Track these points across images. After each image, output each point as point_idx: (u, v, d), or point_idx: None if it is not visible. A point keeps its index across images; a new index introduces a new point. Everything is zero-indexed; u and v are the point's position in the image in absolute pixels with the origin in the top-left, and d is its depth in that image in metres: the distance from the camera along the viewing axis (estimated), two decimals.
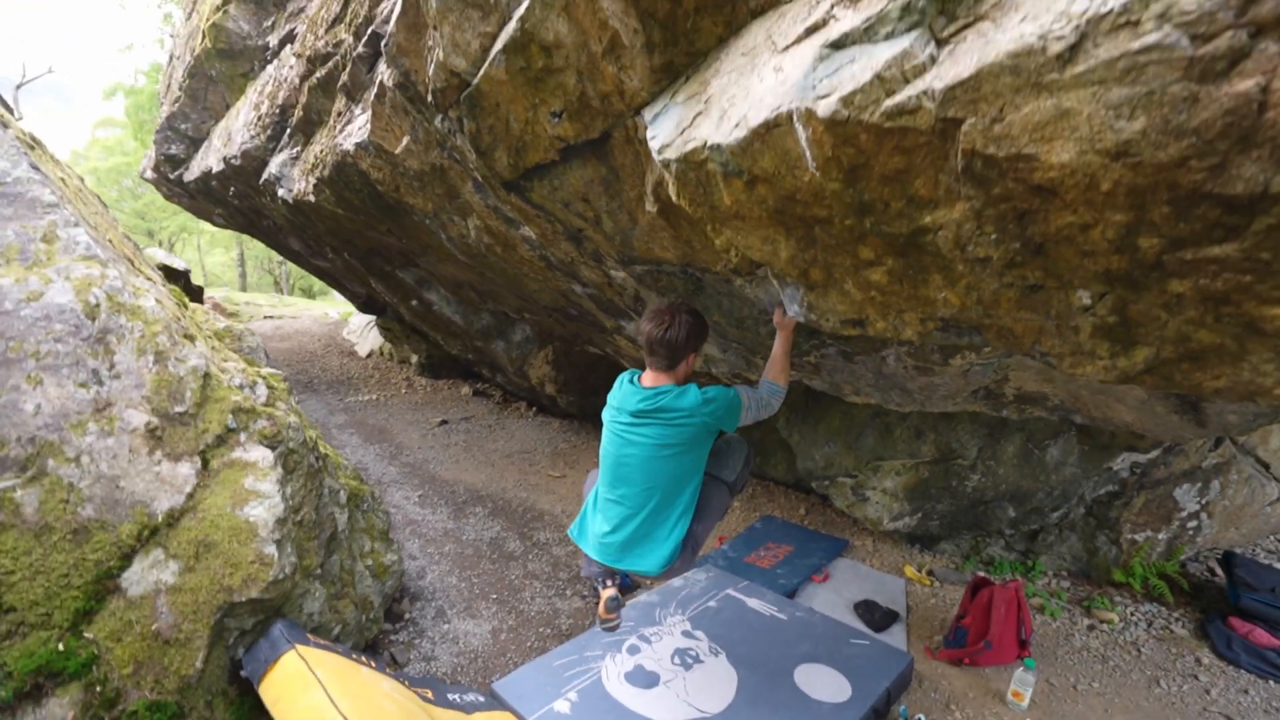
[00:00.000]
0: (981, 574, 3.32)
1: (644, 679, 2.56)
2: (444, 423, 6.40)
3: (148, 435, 2.05)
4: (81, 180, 4.66)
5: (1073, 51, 0.75)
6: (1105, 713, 2.65)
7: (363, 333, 10.02)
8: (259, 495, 2.11)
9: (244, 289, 23.45)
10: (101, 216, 3.53)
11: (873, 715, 2.44)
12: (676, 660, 2.69)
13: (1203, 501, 3.41)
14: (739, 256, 1.53)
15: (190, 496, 2.03)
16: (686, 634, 2.88)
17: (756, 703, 2.44)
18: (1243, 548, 3.90)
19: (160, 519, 1.97)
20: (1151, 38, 0.70)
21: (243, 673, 1.92)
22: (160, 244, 23.71)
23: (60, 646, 1.75)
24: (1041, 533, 3.72)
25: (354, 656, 2.11)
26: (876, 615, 3.19)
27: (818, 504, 4.62)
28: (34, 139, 3.40)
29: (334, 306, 14.22)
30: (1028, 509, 3.57)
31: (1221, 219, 0.76)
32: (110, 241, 2.98)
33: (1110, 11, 0.72)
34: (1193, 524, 3.45)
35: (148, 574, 1.90)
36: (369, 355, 9.39)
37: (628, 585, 3.47)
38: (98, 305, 2.18)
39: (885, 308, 1.34)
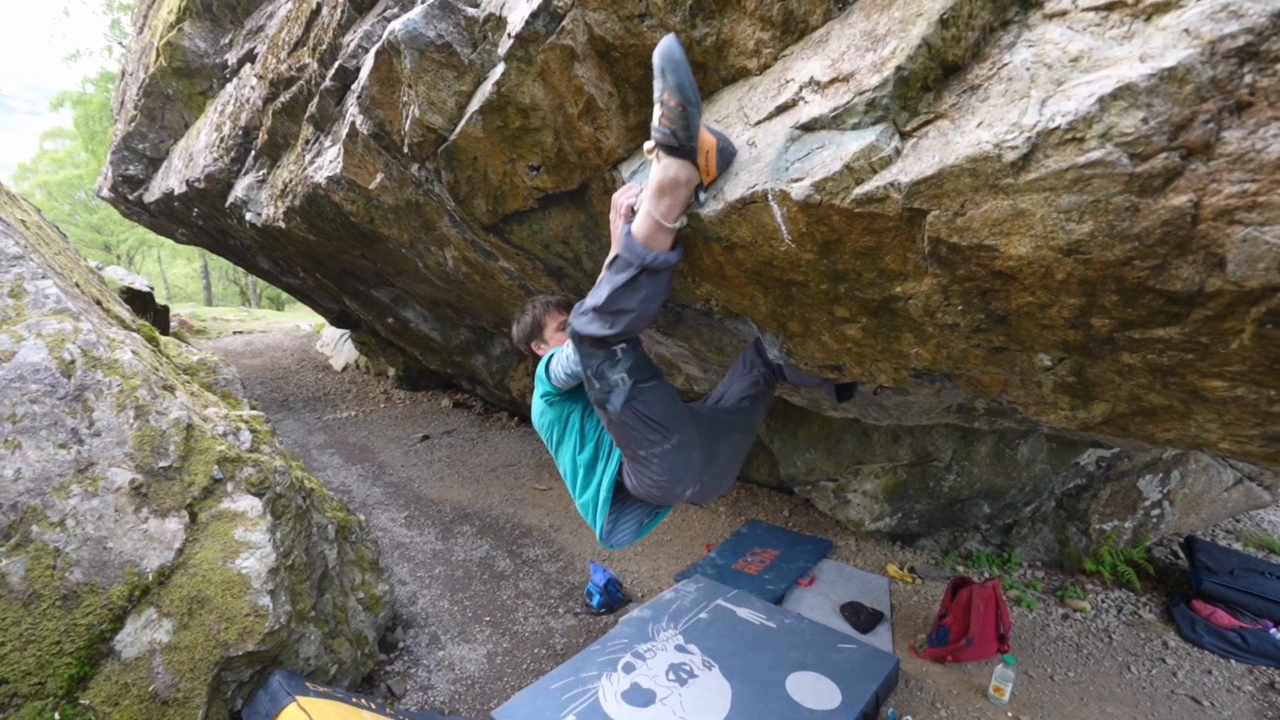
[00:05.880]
0: (961, 574, 3.44)
1: (640, 697, 2.62)
2: (426, 438, 6.37)
3: (133, 493, 2.04)
4: (39, 212, 4.53)
5: (1025, 160, 0.81)
6: (1081, 701, 2.78)
7: (337, 345, 9.88)
8: (250, 546, 2.11)
9: (209, 302, 22.88)
10: (65, 255, 3.45)
11: None
12: (671, 676, 2.75)
13: (1164, 490, 3.58)
14: (720, 306, 1.58)
15: (180, 552, 2.03)
16: (679, 648, 2.95)
17: (751, 715, 2.52)
18: (1203, 531, 4.09)
19: (151, 577, 1.96)
20: (1095, 154, 0.76)
21: None
22: (119, 258, 22.99)
23: (56, 716, 1.74)
24: (1016, 526, 3.87)
25: (354, 700, 2.13)
26: (862, 617, 3.30)
27: (801, 505, 4.72)
28: None
29: (304, 318, 13.98)
30: (1002, 504, 3.70)
31: (1164, 308, 0.83)
32: (78, 285, 2.93)
33: (1058, 127, 0.77)
34: (1156, 512, 3.62)
35: (141, 634, 1.90)
36: (345, 369, 9.28)
37: (619, 600, 3.53)
38: (73, 362, 2.15)
39: (860, 357, 1.40)
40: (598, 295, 1.31)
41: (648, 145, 1.22)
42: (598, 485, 1.71)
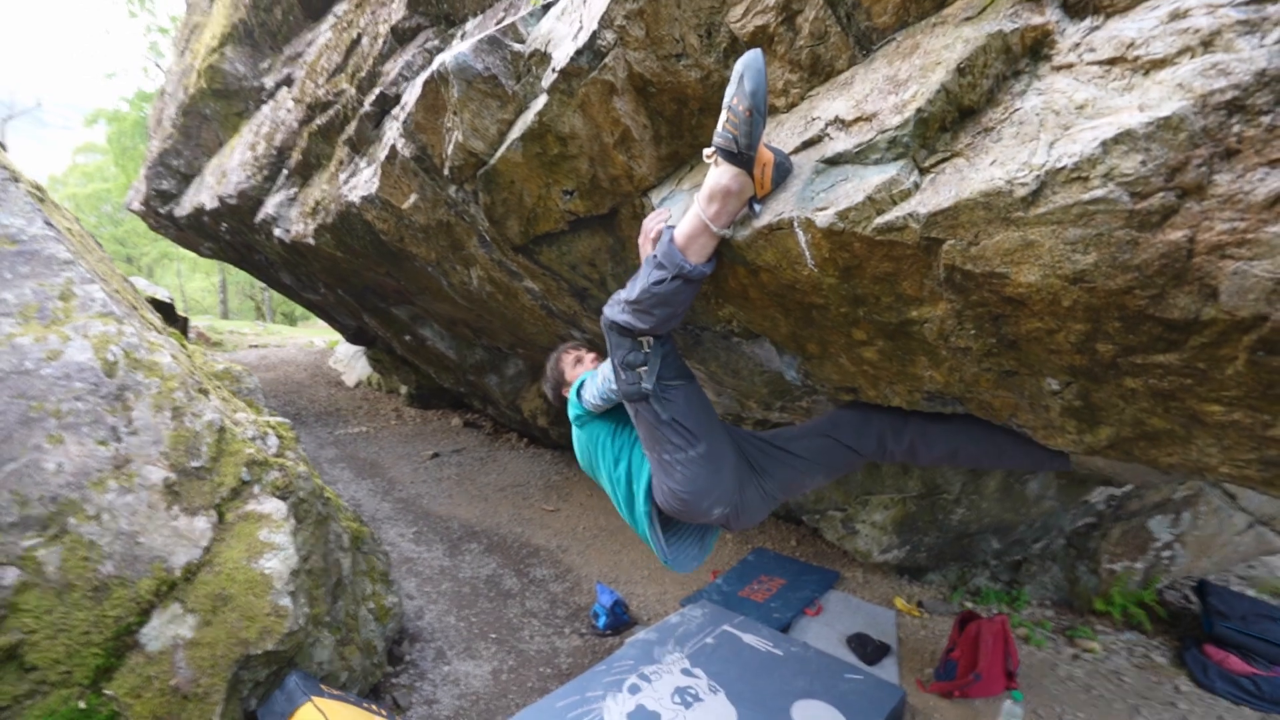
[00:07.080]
0: (969, 608, 3.43)
1: (645, 719, 2.62)
2: (436, 455, 6.42)
3: (166, 490, 2.11)
4: (78, 222, 4.70)
5: (1035, 196, 0.89)
6: None
7: (350, 362, 10.02)
8: (273, 547, 2.17)
9: (225, 315, 23.23)
10: (107, 264, 3.59)
11: None
12: (676, 699, 2.75)
13: (1175, 532, 3.57)
14: (741, 328, 1.65)
15: (207, 550, 2.09)
16: (685, 672, 2.94)
17: None
18: (1216, 576, 4.05)
19: (178, 573, 2.02)
20: (1099, 192, 0.84)
21: None
22: (140, 270, 23.49)
23: (81, 704, 1.78)
24: (1025, 563, 3.85)
25: (365, 705, 2.15)
26: (869, 649, 3.28)
27: (809, 535, 4.72)
28: (40, 189, 3.46)
29: (318, 334, 14.18)
30: (1010, 540, 3.70)
31: (1164, 334, 0.90)
32: (118, 292, 3.04)
33: (1064, 167, 0.85)
34: (1167, 554, 3.61)
35: (166, 629, 1.95)
36: (357, 385, 9.39)
37: (625, 622, 3.53)
38: (116, 363, 2.24)
39: (876, 379, 1.47)
40: (632, 290, 1.38)
41: (708, 150, 1.24)
42: (635, 499, 1.69)
